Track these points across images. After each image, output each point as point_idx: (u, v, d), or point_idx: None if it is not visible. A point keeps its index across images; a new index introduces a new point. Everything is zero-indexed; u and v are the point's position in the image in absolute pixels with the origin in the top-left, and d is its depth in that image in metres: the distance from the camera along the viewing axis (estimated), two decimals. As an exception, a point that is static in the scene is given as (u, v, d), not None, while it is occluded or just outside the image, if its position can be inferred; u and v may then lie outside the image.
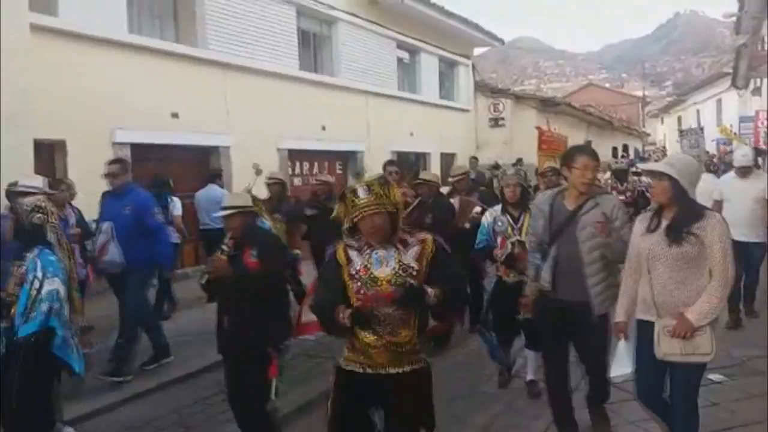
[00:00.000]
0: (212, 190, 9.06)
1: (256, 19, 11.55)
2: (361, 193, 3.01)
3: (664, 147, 36.89)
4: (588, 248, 3.86)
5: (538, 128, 8.46)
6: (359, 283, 3.02)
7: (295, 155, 12.73)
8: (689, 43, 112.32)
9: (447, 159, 18.32)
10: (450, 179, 7.81)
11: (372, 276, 3.01)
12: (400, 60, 16.84)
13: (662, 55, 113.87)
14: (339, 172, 14.42)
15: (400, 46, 16.61)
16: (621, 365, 3.70)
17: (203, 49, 10.49)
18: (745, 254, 6.48)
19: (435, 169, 17.82)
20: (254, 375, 3.89)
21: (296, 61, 12.71)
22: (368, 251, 3.06)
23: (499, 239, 5.15)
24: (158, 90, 9.52)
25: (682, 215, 3.32)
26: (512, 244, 5.08)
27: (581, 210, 3.91)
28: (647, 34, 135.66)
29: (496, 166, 13.54)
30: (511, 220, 5.19)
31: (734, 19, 17.03)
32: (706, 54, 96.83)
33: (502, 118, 20.06)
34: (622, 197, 8.42)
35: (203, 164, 10.60)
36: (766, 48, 15.65)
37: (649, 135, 45.62)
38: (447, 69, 19.50)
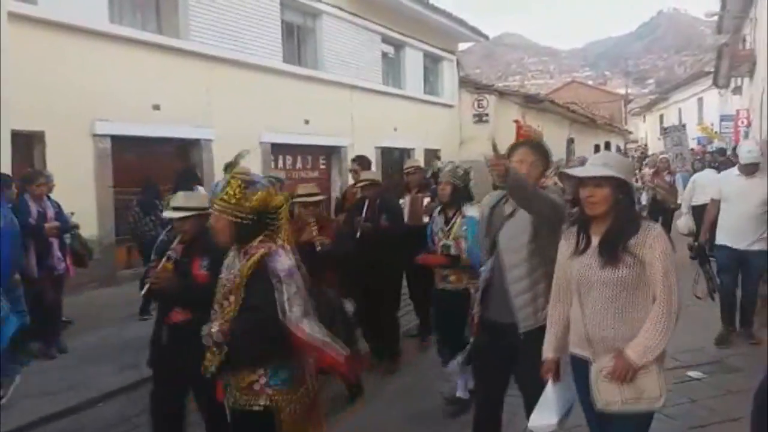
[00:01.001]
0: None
1: (240, 10, 11.43)
2: (219, 187, 2.84)
3: (645, 145, 37.23)
4: (511, 257, 3.27)
5: (516, 121, 8.18)
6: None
7: (277, 149, 12.64)
8: (672, 42, 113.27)
9: (431, 155, 18.31)
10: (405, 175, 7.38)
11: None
12: (384, 54, 16.78)
13: (645, 53, 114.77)
14: (323, 166, 14.36)
15: (385, 40, 16.55)
16: (544, 414, 2.98)
17: (185, 41, 10.37)
18: (742, 263, 5.91)
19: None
20: (201, 401, 3.62)
21: (280, 53, 12.61)
22: (231, 253, 2.91)
23: (435, 240, 4.89)
24: (140, 81, 9.40)
25: (616, 229, 2.71)
26: (442, 247, 4.78)
27: (513, 216, 3.32)
28: (630, 31, 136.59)
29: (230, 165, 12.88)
30: (443, 221, 4.88)
31: (716, 18, 17.17)
32: (689, 52, 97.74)
33: (486, 114, 20.09)
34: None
35: (184, 157, 10.48)
36: (747, 47, 15.78)
37: (631, 133, 46.02)
38: (431, 64, 19.48)
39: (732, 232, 5.92)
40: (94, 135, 8.86)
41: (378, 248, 5.53)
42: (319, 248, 4.73)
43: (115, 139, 9.12)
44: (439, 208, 5.01)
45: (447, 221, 4.83)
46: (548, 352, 2.99)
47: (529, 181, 3.08)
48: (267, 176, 8.33)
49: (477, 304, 3.49)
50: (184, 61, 10.29)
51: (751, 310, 6.11)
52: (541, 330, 3.07)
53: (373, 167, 16.93)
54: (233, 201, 2.74)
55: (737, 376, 5.18)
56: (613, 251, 2.68)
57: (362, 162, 7.54)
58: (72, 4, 8.44)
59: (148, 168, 9.21)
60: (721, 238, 6.04)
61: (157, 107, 9.70)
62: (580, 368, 2.86)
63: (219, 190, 2.79)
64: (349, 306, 5.01)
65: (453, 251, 4.68)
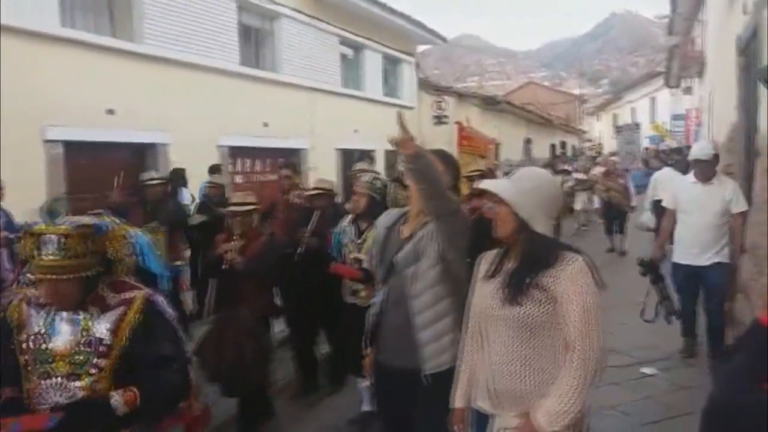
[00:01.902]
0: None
1: (196, 13, 11.27)
2: (49, 248, 2.16)
3: (600, 143, 38.01)
4: (412, 285, 2.76)
5: (458, 123, 8.26)
6: (28, 357, 2.20)
7: (236, 152, 12.51)
8: (625, 42, 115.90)
9: (391, 156, 18.35)
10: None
11: (44, 349, 2.20)
12: (343, 56, 16.76)
13: (599, 53, 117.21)
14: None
15: (344, 42, 16.53)
16: None
17: (140, 44, 10.17)
18: (702, 281, 5.38)
19: (380, 167, 17.87)
20: None
21: (237, 56, 12.48)
22: (52, 310, 2.28)
23: (344, 252, 4.55)
24: (93, 86, 9.19)
25: (526, 257, 2.27)
26: (353, 261, 4.45)
27: (412, 238, 2.84)
28: (585, 33, 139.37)
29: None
30: (354, 233, 4.52)
31: (667, 20, 17.61)
32: (641, 53, 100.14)
33: (446, 116, 20.23)
34: None
35: (139, 162, 10.30)
36: (696, 49, 16.23)
37: (585, 132, 46.92)
38: (391, 66, 19.53)
39: (690, 248, 5.39)
40: (46, 141, 8.62)
41: (319, 267, 4.79)
42: (225, 266, 4.32)
43: (67, 144, 8.89)
44: (349, 218, 4.64)
45: (359, 233, 4.49)
46: (457, 400, 2.49)
47: (441, 175, 2.66)
48: (207, 181, 8.12)
49: (368, 345, 2.95)
50: (138, 64, 10.09)
51: (718, 335, 5.36)
52: (449, 373, 2.54)
53: (334, 169, 16.93)
54: (83, 256, 2.22)
55: (691, 371, 5.31)
56: (518, 283, 2.21)
57: (292, 166, 7.11)
58: (21, 7, 8.21)
59: (102, 174, 9.01)
60: (679, 256, 5.52)
61: (111, 112, 9.50)
62: (482, 424, 2.36)
63: (50, 252, 2.17)
64: (281, 326, 4.87)
65: (365, 265, 4.24)
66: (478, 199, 5.45)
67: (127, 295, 2.28)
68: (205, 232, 6.87)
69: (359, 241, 4.45)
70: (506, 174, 9.47)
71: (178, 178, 8.93)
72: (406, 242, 2.85)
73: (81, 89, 8.97)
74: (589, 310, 2.15)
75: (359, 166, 7.39)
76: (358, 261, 4.38)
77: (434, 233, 2.75)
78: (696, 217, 5.37)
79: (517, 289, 2.22)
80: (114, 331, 2.19)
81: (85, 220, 2.33)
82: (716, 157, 5.50)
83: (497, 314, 2.26)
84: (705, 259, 5.34)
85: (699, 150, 5.54)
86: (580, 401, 2.15)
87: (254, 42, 13.62)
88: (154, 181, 7.01)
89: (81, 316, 2.23)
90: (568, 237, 13.72)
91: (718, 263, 5.31)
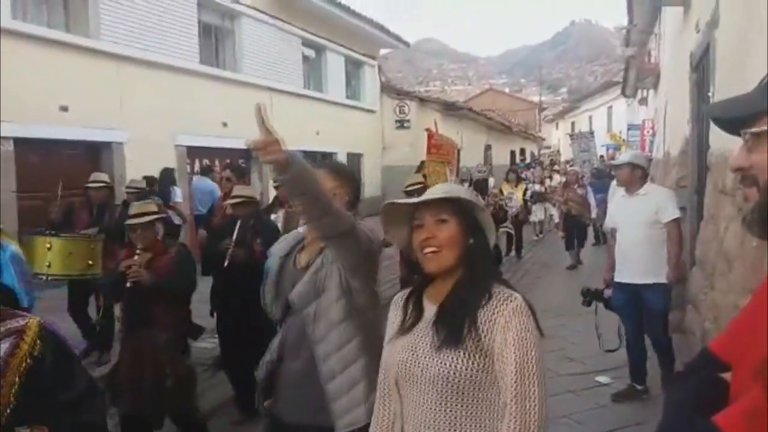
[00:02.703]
0: (204, 181, 10.78)
1: (154, 9, 11.05)
2: None
3: (558, 151, 38.62)
4: (314, 324, 2.31)
5: (428, 130, 7.87)
6: None
7: (194, 152, 12.31)
8: (583, 51, 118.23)
9: (353, 159, 18.33)
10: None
11: None
12: (305, 58, 16.67)
13: (558, 62, 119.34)
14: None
15: (306, 43, 16.44)
16: None
17: (95, 40, 9.92)
18: (642, 301, 4.93)
19: (340, 169, 17.83)
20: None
21: (197, 54, 12.29)
22: None
23: None
24: (45, 81, 8.93)
25: (463, 294, 1.78)
26: None
27: (310, 268, 2.38)
28: (545, 40, 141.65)
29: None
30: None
31: (624, 32, 18.00)
32: (599, 62, 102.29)
33: (408, 120, 20.30)
34: None
35: (94, 160, 10.04)
36: (652, 61, 16.62)
37: (544, 139, 47.69)
38: (353, 69, 19.51)
39: (626, 265, 4.99)
40: (-5, 137, 8.34)
41: (250, 279, 4.12)
42: (129, 284, 3.86)
43: (18, 141, 8.61)
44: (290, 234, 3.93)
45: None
46: None
47: (322, 185, 2.17)
48: (128, 185, 7.64)
49: (262, 398, 2.49)
50: (93, 60, 9.85)
51: (665, 362, 4.98)
52: (366, 431, 2.08)
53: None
54: None
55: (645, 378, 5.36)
56: (454, 330, 1.74)
57: (236, 170, 6.67)
58: (-31, -2, 7.93)
59: (55, 172, 8.76)
60: (617, 274, 5.08)
61: (64, 108, 9.24)
62: None
63: None
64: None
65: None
66: None
67: (12, 324, 1.67)
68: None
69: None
70: (463, 182, 9.24)
71: (169, 177, 9.06)
72: (303, 273, 2.37)
73: (33, 85, 8.70)
74: (528, 363, 1.70)
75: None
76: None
77: (334, 260, 2.29)
78: (627, 231, 4.99)
79: (451, 336, 1.73)
80: (5, 371, 1.60)
81: None
82: (634, 166, 5.00)
83: (420, 370, 1.76)
84: (642, 278, 4.85)
85: (619, 157, 5.65)
86: None
87: (214, 40, 13.45)
88: (99, 185, 6.52)
89: None
90: (526, 247, 13.84)
91: (657, 284, 4.79)
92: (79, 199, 6.85)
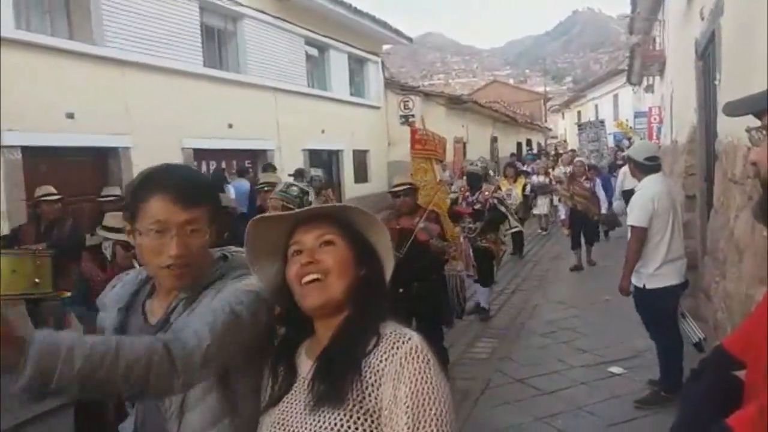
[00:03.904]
0: (240, 182, 11.44)
1: (157, 14, 11.07)
2: None
3: (565, 141, 38.51)
4: (177, 410, 1.56)
5: (411, 125, 7.49)
6: None
7: (201, 154, 12.34)
8: (587, 40, 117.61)
9: (359, 156, 18.33)
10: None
11: None
12: (308, 56, 16.67)
13: (562, 51, 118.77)
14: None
15: (309, 42, 16.44)
16: None
17: (99, 47, 9.95)
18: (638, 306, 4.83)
19: (348, 167, 17.83)
20: None
21: (200, 57, 12.31)
22: None
23: None
24: (51, 89, 8.96)
25: (346, 338, 1.41)
26: None
27: (167, 324, 1.60)
28: (548, 30, 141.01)
29: (300, 173, 11.80)
30: None
31: (628, 19, 17.90)
32: (604, 50, 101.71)
33: (413, 115, 20.24)
34: (463, 210, 7.43)
35: (101, 166, 10.09)
36: (657, 48, 16.53)
37: (550, 130, 47.55)
38: (356, 65, 19.49)
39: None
40: (3, 146, 8.38)
41: None
42: None
43: (26, 150, 8.66)
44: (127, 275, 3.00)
45: None
46: None
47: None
48: (102, 193, 7.34)
49: None
50: (98, 67, 9.88)
51: (664, 367, 4.73)
52: None
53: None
54: None
55: (657, 370, 5.32)
56: (334, 385, 1.34)
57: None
58: (-27, 9, 7.97)
59: (64, 179, 8.81)
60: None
61: (71, 116, 9.28)
62: None
63: None
64: None
65: None
66: (407, 218, 5.18)
67: None
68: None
69: None
70: (466, 173, 8.70)
71: (220, 177, 9.88)
72: (157, 332, 1.58)
73: (39, 93, 8.73)
74: (426, 425, 1.29)
75: (264, 178, 6.50)
76: None
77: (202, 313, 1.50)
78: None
79: (325, 396, 1.34)
80: None
81: None
82: (629, 159, 4.95)
83: (300, 429, 1.36)
84: (637, 279, 4.72)
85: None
86: None
87: (217, 43, 13.46)
88: (51, 197, 6.04)
89: None
90: (529, 242, 13.74)
91: (635, 286, 4.70)
92: (89, 206, 6.77)
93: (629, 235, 4.70)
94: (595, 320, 7.05)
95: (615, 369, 5.47)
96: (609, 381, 5.25)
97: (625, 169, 9.50)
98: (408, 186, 5.31)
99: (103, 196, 6.35)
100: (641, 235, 4.57)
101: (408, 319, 4.84)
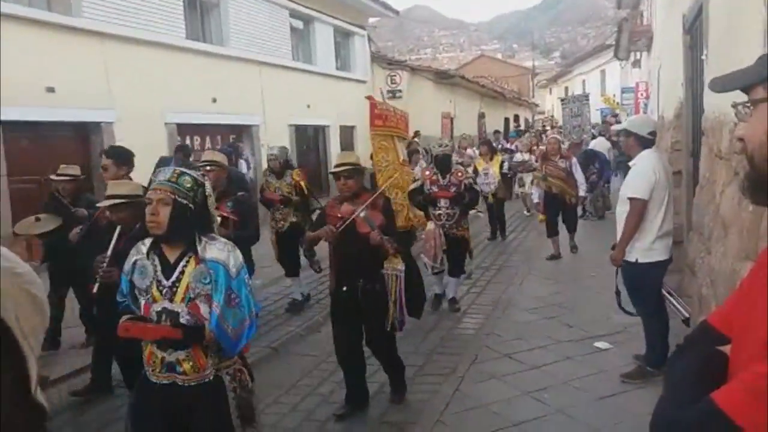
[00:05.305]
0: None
1: (138, -15, 10.83)
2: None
3: (553, 116, 38.51)
4: None
5: (369, 98, 6.58)
6: None
7: (184, 129, 12.18)
8: (575, 14, 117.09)
9: (346, 132, 18.19)
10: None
11: None
12: (293, 29, 16.43)
13: (550, 25, 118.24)
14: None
15: (293, 14, 16.19)
16: None
17: (77, 18, 9.73)
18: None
19: (334, 143, 17.69)
20: None
21: (183, 29, 12.08)
22: None
23: (141, 302, 2.79)
24: (29, 63, 8.76)
25: None
26: (161, 313, 2.70)
27: None
28: (536, 4, 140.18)
29: (182, 149, 9.34)
30: (159, 269, 2.74)
31: (616, -6, 17.84)
32: (591, 25, 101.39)
33: (400, 90, 20.10)
34: (443, 193, 6.73)
35: (84, 141, 9.94)
36: (644, 23, 16.48)
37: (538, 105, 47.45)
38: (342, 39, 19.25)
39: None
40: (-19, 121, 8.23)
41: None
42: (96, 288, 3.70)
43: (5, 124, 8.49)
44: (149, 243, 2.81)
45: (167, 267, 2.72)
46: None
47: None
48: (58, 172, 7.06)
49: None
50: (77, 39, 9.67)
51: (650, 341, 4.76)
52: None
53: (287, 145, 16.59)
54: None
55: (643, 345, 5.35)
56: None
57: (117, 155, 5.10)
58: (-53, -21, 7.75)
59: (44, 154, 8.70)
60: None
61: (51, 89, 9.10)
62: None
63: None
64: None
65: (186, 320, 2.68)
66: (349, 204, 4.35)
67: None
68: (56, 242, 5.65)
69: (169, 281, 2.70)
70: (432, 156, 7.94)
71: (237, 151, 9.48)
72: None
73: (17, 67, 8.53)
74: None
75: (208, 156, 5.57)
76: (173, 314, 2.68)
77: None
78: (618, 202, 4.85)
79: None
80: None
81: None
82: (628, 133, 4.78)
83: None
84: (627, 254, 4.68)
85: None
86: None
87: (200, 15, 13.22)
88: (65, 178, 5.82)
89: None
90: (515, 219, 13.75)
91: (626, 261, 4.65)
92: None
93: (620, 208, 4.65)
94: (581, 296, 7.09)
95: (601, 344, 5.51)
96: (595, 356, 5.29)
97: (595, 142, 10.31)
98: (350, 166, 4.42)
99: (59, 175, 5.85)
100: (642, 208, 4.51)
101: (354, 320, 4.37)
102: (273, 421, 4.49)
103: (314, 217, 6.93)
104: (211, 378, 2.74)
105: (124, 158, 5.06)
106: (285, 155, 7.30)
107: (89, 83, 9.75)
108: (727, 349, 1.36)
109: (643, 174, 4.55)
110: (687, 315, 4.29)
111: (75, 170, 5.89)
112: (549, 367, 5.09)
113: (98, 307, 4.46)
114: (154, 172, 2.61)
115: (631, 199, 4.53)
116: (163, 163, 8.70)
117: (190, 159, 8.05)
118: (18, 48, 8.62)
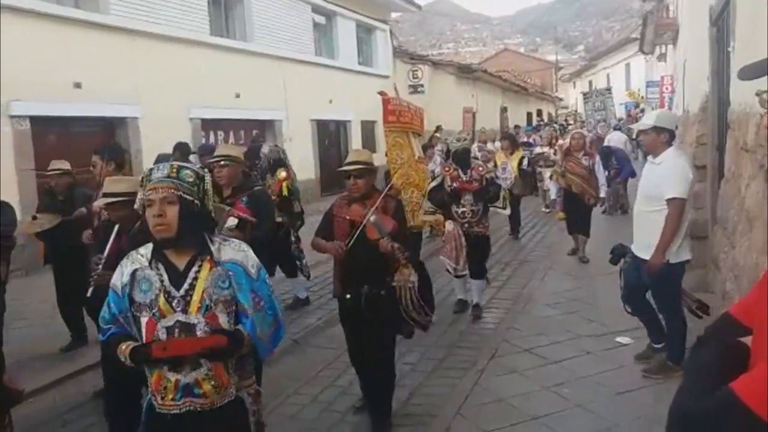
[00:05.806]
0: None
1: (162, -18, 10.96)
2: None
3: (576, 111, 38.14)
4: None
5: (382, 94, 6.27)
6: None
7: (208, 125, 12.32)
8: (600, 8, 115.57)
9: (368, 127, 18.23)
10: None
11: None
12: (316, 24, 16.49)
13: (574, 19, 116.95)
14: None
15: (316, 9, 16.25)
16: None
17: (105, 15, 9.89)
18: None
19: (356, 138, 17.73)
20: None
21: (207, 26, 12.22)
22: None
23: (144, 320, 2.36)
24: (58, 59, 8.95)
25: None
26: (175, 327, 2.31)
27: None
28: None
29: (181, 148, 8.14)
30: (166, 278, 2.36)
31: (641, -13, 17.61)
32: (616, 18, 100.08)
33: (421, 85, 20.09)
34: (467, 187, 6.38)
35: (110, 136, 10.10)
36: (670, 16, 16.27)
37: (561, 99, 47.03)
38: (365, 34, 19.28)
39: (634, 235, 4.76)
40: (11, 116, 8.41)
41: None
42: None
43: (34, 119, 8.68)
44: (151, 249, 2.40)
45: (176, 275, 2.36)
46: None
47: None
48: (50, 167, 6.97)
49: None
50: (104, 36, 9.83)
51: (672, 339, 4.62)
52: None
53: (309, 140, 16.66)
54: None
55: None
56: None
57: (103, 151, 4.98)
58: (-22, -23, 7.91)
59: (71, 149, 8.84)
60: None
61: (78, 85, 9.27)
62: None
63: None
64: None
65: (204, 332, 2.33)
66: (359, 207, 4.09)
67: None
68: (55, 236, 5.63)
69: (181, 292, 2.33)
70: (449, 151, 7.69)
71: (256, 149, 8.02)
72: None
73: (46, 62, 8.72)
74: None
75: (222, 150, 5.00)
76: (187, 326, 2.32)
77: None
78: (638, 201, 4.71)
79: None
80: None
81: None
82: (660, 130, 4.50)
83: None
84: (639, 251, 4.60)
85: (643, 119, 5.17)
86: None
87: (224, 11, 13.34)
88: (57, 171, 5.78)
89: None
90: (534, 216, 13.60)
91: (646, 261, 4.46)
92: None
93: (644, 207, 4.51)
94: (601, 291, 7.03)
95: (622, 339, 5.46)
96: (615, 351, 5.25)
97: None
98: (361, 165, 4.09)
99: (50, 170, 5.83)
100: (684, 207, 4.32)
101: (356, 328, 4.20)
102: (293, 412, 4.54)
103: (298, 222, 6.88)
104: (233, 398, 2.41)
105: (111, 154, 4.96)
106: (276, 154, 7.07)
107: (115, 79, 9.90)
108: (748, 340, 1.37)
109: (680, 173, 4.35)
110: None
111: (65, 165, 5.83)
112: (569, 362, 5.07)
113: (90, 313, 4.39)
114: (148, 171, 2.33)
115: (671, 199, 4.29)
116: (160, 161, 8.55)
117: (190, 157, 7.89)
118: (46, 44, 8.79)
